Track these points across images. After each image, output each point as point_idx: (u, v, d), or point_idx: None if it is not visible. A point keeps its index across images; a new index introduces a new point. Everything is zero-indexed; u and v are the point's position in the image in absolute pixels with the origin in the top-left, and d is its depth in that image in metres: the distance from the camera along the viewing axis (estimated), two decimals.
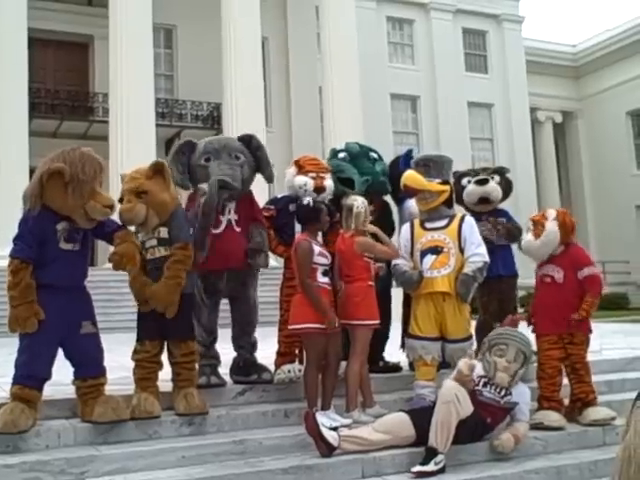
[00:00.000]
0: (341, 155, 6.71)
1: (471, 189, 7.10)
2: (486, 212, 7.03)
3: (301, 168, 6.30)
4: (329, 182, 6.26)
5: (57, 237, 4.92)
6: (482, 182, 7.07)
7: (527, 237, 6.15)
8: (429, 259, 5.91)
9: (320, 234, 5.87)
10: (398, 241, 6.19)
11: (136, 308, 5.46)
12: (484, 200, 7.05)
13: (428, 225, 6.05)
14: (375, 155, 6.79)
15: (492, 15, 32.69)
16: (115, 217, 5.27)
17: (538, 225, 6.08)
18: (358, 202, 5.87)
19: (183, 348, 5.35)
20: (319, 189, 6.15)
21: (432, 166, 6.31)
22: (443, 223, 6.03)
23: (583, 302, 5.92)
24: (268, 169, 6.19)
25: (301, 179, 6.19)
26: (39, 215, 4.91)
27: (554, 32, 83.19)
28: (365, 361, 5.84)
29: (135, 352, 5.35)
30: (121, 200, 5.33)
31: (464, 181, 7.19)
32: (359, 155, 6.70)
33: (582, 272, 6.03)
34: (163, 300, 5.19)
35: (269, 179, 6.24)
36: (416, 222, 6.12)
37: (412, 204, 6.36)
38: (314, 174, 6.22)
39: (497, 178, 7.18)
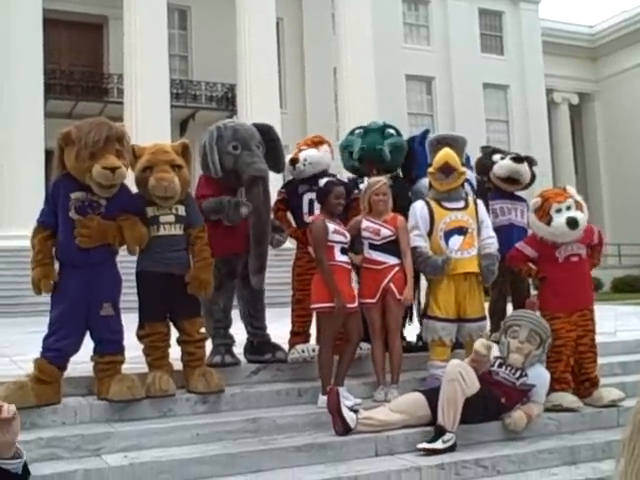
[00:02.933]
0: (357, 132, 6.74)
1: (505, 163, 6.95)
2: (509, 192, 6.94)
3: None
4: (307, 152, 6.18)
5: (69, 205, 4.97)
6: (518, 160, 6.96)
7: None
8: (457, 240, 5.87)
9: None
10: (414, 219, 5.95)
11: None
12: (511, 179, 6.93)
13: (448, 205, 5.97)
14: (392, 131, 6.63)
15: None
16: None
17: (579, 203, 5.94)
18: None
19: (198, 325, 5.39)
20: (291, 160, 6.16)
21: (454, 145, 6.29)
22: (462, 204, 6.01)
23: (594, 260, 6.19)
24: (282, 162, 6.14)
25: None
26: (57, 181, 5.07)
27: (571, 13, 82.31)
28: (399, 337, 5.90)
29: (145, 335, 5.28)
30: (145, 169, 5.26)
31: (496, 157, 7.08)
32: (372, 130, 6.63)
33: (594, 239, 6.12)
34: (205, 281, 5.25)
35: (280, 171, 6.26)
36: (431, 202, 6.00)
37: (425, 184, 6.31)
38: (297, 149, 6.26)
39: (526, 165, 7.04)
